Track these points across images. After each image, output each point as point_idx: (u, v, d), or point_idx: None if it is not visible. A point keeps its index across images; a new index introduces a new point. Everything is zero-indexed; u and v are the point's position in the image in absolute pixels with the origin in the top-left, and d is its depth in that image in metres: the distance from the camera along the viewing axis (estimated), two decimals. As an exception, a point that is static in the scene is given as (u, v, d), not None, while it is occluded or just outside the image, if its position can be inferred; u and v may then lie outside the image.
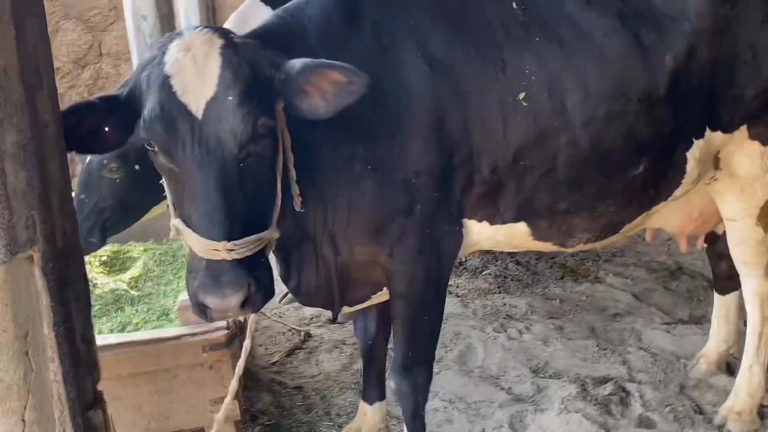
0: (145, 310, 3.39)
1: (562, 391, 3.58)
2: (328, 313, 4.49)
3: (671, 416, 3.35)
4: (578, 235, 2.92)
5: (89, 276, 2.67)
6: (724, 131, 2.87)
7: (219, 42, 2.18)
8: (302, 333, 4.37)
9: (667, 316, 4.35)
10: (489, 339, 4.20)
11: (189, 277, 2.24)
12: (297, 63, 2.25)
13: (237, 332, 2.83)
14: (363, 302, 2.96)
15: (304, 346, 4.26)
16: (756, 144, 2.91)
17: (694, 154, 2.84)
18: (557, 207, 2.79)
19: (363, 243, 2.68)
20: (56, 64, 3.59)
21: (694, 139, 2.82)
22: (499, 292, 4.91)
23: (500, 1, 2.72)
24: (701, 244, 3.46)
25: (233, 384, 2.47)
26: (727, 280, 3.49)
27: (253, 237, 2.15)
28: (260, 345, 4.28)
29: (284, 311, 4.76)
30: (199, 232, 2.12)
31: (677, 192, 2.93)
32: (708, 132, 2.85)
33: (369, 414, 3.38)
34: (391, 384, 2.92)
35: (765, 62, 2.83)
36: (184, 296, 2.74)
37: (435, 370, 3.77)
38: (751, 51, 2.81)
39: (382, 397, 3.39)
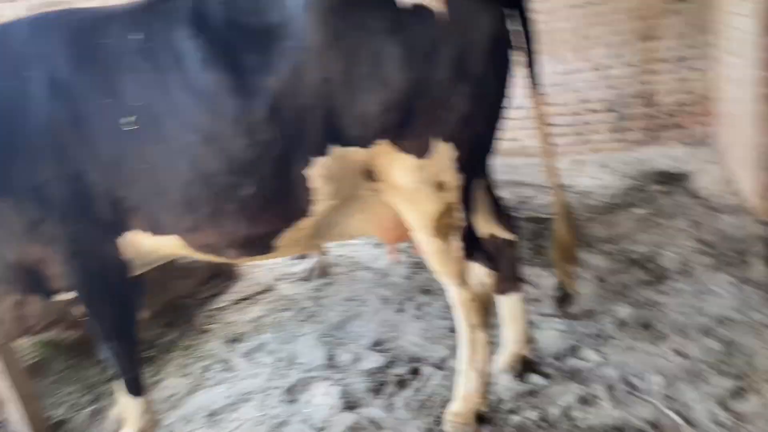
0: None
1: (367, 364, 3.75)
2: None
3: (418, 405, 3.35)
4: (225, 251, 2.89)
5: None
6: (361, 146, 2.64)
7: None
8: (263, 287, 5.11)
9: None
10: (380, 311, 4.38)
11: None
12: None
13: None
14: (66, 293, 3.03)
15: (257, 297, 4.96)
16: (410, 158, 2.65)
17: (317, 171, 2.65)
18: (183, 226, 2.80)
19: (21, 243, 2.82)
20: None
21: (311, 157, 2.63)
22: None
23: (120, 34, 2.70)
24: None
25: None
26: (502, 281, 3.31)
27: None
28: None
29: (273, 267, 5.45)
30: None
31: (317, 208, 2.75)
32: (338, 148, 2.63)
33: None
34: None
35: (393, 74, 2.53)
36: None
37: (308, 331, 4.35)
38: (374, 63, 2.53)
39: None
